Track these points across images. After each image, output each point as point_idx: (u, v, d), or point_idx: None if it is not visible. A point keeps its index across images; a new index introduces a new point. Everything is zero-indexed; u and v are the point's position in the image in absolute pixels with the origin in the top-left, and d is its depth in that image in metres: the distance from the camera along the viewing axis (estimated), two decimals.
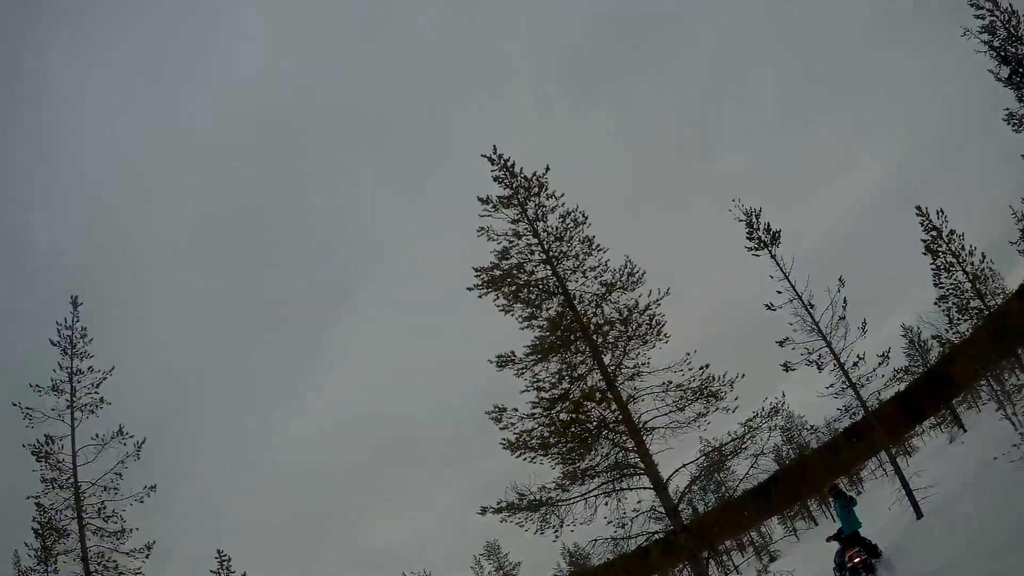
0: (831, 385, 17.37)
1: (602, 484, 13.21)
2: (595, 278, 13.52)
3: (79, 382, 17.65)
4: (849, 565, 12.51)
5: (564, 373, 13.27)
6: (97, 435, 17.29)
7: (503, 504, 12.81)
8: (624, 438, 13.17)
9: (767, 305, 17.07)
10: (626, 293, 13.35)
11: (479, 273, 13.38)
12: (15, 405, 16.79)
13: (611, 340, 13.31)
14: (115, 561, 17.09)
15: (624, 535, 13.10)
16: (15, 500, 17.51)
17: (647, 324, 13.08)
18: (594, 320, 13.38)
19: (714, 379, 12.85)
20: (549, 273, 13.48)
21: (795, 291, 16.96)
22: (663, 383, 13.10)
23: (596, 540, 13.06)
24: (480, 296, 13.36)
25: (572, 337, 13.25)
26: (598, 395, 12.95)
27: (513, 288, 13.26)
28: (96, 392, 17.71)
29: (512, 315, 13.42)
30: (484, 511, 12.88)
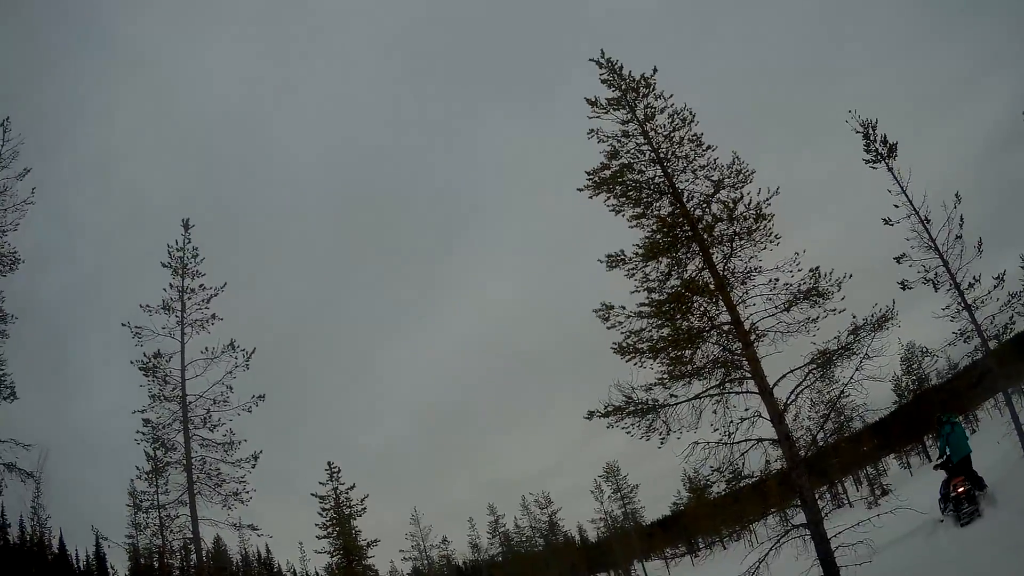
0: (947, 307, 16.90)
1: (708, 388, 13.00)
2: (704, 176, 13.32)
3: (189, 299, 18.30)
4: (953, 495, 12.21)
5: (673, 273, 13.14)
6: (207, 348, 17.80)
7: (610, 408, 12.77)
8: (731, 339, 12.90)
9: (885, 220, 16.63)
10: (734, 191, 13.09)
11: (591, 175, 13.39)
12: (124, 325, 17.46)
13: (720, 239, 13.05)
14: (218, 469, 17.70)
15: (728, 440, 12.83)
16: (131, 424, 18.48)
17: (753, 219, 12.81)
18: (704, 219, 13.12)
19: (822, 276, 12.44)
20: (659, 172, 13.37)
21: (912, 206, 16.56)
22: (770, 281, 12.83)
23: (697, 443, 12.78)
24: (591, 197, 13.40)
25: (681, 236, 13.07)
26: (704, 293, 12.77)
27: (622, 187, 13.18)
28: (207, 307, 18.29)
29: (622, 215, 13.41)
30: (591, 415, 12.85)
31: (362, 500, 28.27)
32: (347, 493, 28.25)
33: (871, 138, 16.69)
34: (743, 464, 12.79)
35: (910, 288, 16.76)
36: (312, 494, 28.05)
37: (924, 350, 41.03)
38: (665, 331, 12.87)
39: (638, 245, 13.21)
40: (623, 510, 47.67)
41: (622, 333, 12.80)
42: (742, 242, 12.98)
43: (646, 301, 13.01)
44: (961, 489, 11.92)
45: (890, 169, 16.65)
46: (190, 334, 18.00)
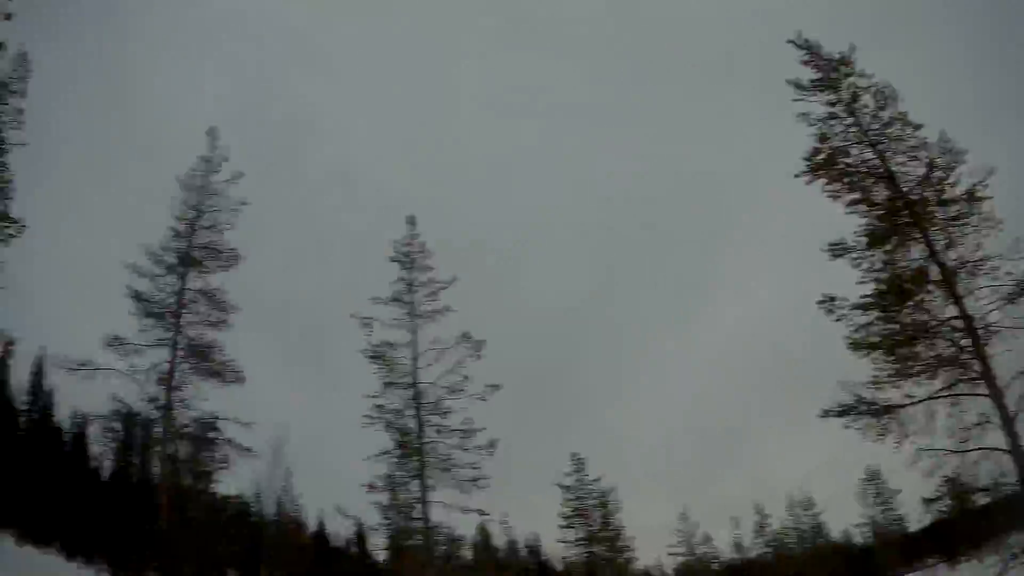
0: None
1: (938, 389, 11.86)
2: (915, 157, 12.39)
3: (417, 292, 18.42)
4: None
5: (897, 261, 12.28)
6: (437, 339, 17.82)
7: (843, 407, 12.09)
8: (959, 335, 11.68)
9: None
10: (946, 172, 12.12)
11: (807, 159, 12.86)
12: (353, 317, 17.64)
13: (940, 225, 11.93)
14: (450, 455, 17.60)
15: (958, 448, 11.59)
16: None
17: (966, 203, 11.81)
18: (920, 204, 12.05)
19: None
20: (871, 155, 12.60)
21: None
22: (991, 269, 11.66)
23: (922, 447, 11.77)
24: (807, 183, 12.81)
25: (901, 222, 12.15)
26: (929, 283, 11.71)
27: (838, 171, 12.58)
28: (435, 300, 18.29)
29: (839, 199, 12.73)
30: (826, 414, 12.20)
31: (606, 493, 28.32)
32: (592, 485, 28.29)
33: None
34: (975, 475, 11.56)
35: None
36: (557, 485, 28.05)
37: None
38: (894, 325, 12.04)
39: (858, 232, 12.50)
40: (883, 515, 44.65)
41: (849, 327, 12.14)
42: (961, 227, 11.91)
43: (871, 293, 12.25)
44: None
45: None
46: (420, 325, 18.18)
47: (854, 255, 12.39)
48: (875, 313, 12.09)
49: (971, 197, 11.79)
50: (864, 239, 12.33)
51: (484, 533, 54.08)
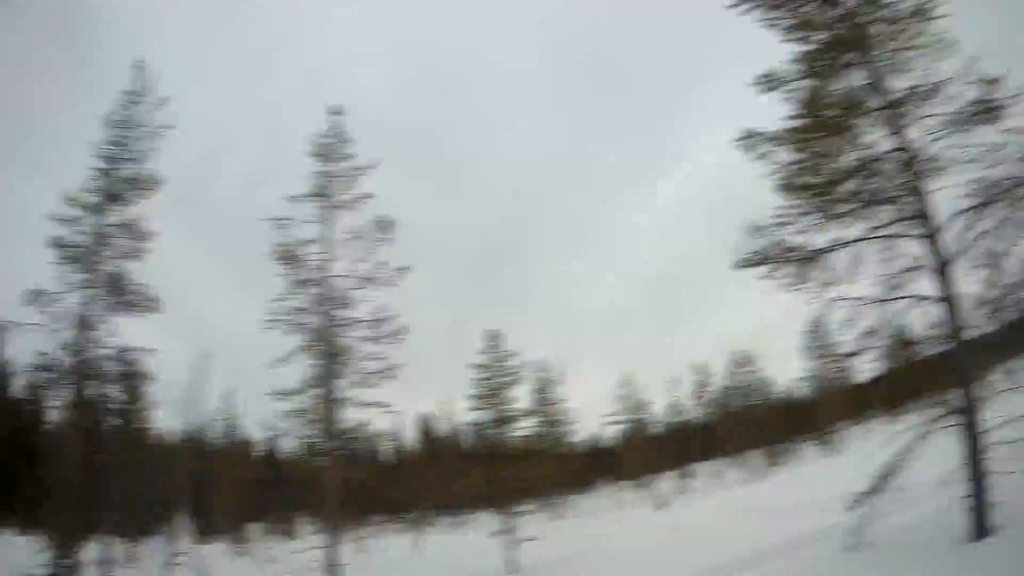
0: None
1: (869, 230, 10.90)
2: None
3: (333, 183, 18.80)
4: None
5: (833, 90, 11.03)
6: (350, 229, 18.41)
7: (761, 254, 11.12)
8: (896, 169, 10.57)
9: None
10: None
11: None
12: (263, 219, 17.91)
13: (886, 48, 10.62)
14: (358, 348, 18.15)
15: (886, 296, 10.71)
16: None
17: (917, 21, 10.36)
18: (864, 25, 10.74)
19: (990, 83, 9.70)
20: None
21: None
22: (939, 96, 10.26)
23: (842, 297, 10.90)
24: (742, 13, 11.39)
25: (842, 46, 10.83)
26: (867, 113, 10.55)
27: None
28: (350, 188, 18.70)
29: (777, 26, 11.26)
30: (745, 264, 11.18)
31: (516, 371, 27.04)
32: (506, 362, 26.74)
33: None
34: (904, 327, 10.71)
35: None
36: (471, 364, 26.75)
37: None
38: (825, 160, 10.95)
39: (794, 59, 11.17)
40: (826, 369, 45.46)
41: (774, 166, 11.03)
42: (908, 50, 10.51)
43: (800, 127, 11.03)
44: None
45: None
46: (335, 216, 18.52)
47: (787, 86, 11.07)
48: (805, 149, 10.93)
49: (920, 13, 10.34)
50: (797, 67, 11.01)
51: (424, 424, 55.31)
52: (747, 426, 45.63)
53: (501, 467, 24.87)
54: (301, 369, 17.50)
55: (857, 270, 10.94)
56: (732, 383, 49.77)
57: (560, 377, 45.76)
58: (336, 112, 19.28)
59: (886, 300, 10.77)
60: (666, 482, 48.69)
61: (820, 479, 25.60)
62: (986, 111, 10.02)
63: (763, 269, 11.17)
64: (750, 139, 11.01)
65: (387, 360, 17.78)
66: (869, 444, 18.31)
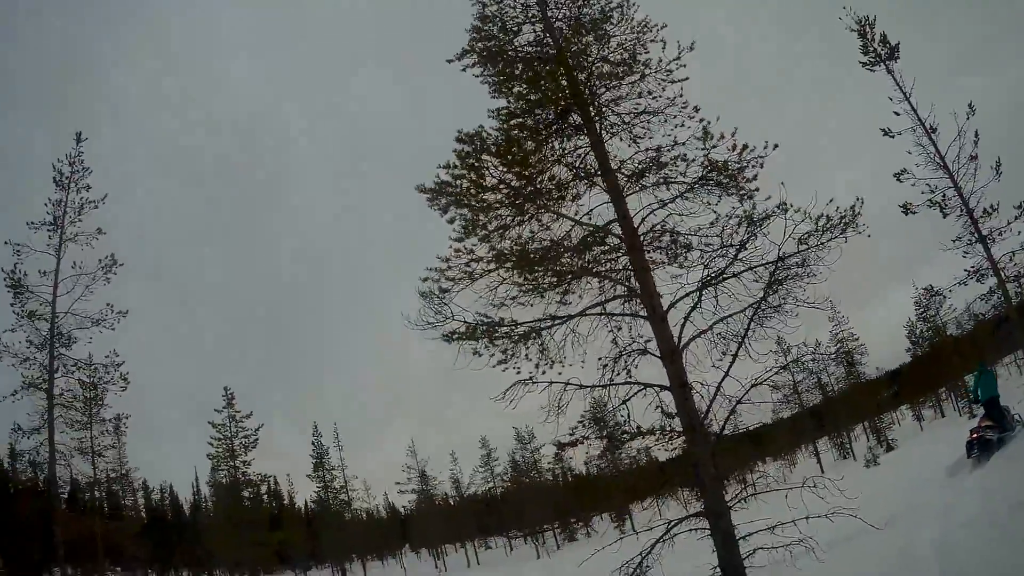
0: (957, 238, 14.56)
1: (586, 307, 9.60)
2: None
3: (68, 213, 17.89)
4: (968, 440, 11.70)
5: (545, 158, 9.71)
6: (76, 263, 17.21)
7: (464, 328, 9.35)
8: (615, 238, 9.50)
9: (884, 131, 14.34)
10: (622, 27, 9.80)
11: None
12: (7, 243, 16.92)
13: (608, 108, 9.64)
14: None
15: (608, 381, 9.41)
16: None
17: (636, 40, 9.46)
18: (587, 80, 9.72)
19: (709, 136, 8.85)
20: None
21: (917, 116, 14.51)
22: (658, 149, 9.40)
23: (568, 384, 9.37)
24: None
25: (560, 104, 9.62)
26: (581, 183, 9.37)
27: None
28: (80, 220, 17.75)
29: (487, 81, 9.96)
30: (449, 338, 9.34)
31: (256, 430, 27.39)
32: (242, 422, 27.01)
33: (868, 37, 14.71)
34: (626, 416, 9.36)
35: (913, 213, 14.40)
36: (209, 422, 27.14)
37: (933, 291, 35.31)
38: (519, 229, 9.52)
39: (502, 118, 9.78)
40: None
41: (461, 220, 9.34)
42: (638, 116, 9.52)
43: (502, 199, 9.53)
44: (975, 435, 11.64)
45: (890, 72, 14.52)
46: (65, 250, 17.54)
47: (492, 140, 9.51)
48: (512, 215, 9.56)
49: (640, 34, 9.43)
50: (506, 126, 9.63)
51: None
52: (539, 500, 45.17)
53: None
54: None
55: (574, 350, 9.62)
56: (519, 458, 49.56)
57: (340, 445, 42.99)
58: (80, 139, 18.12)
59: (605, 385, 9.52)
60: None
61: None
62: (716, 183, 9.29)
63: (470, 344, 9.32)
64: (437, 195, 9.30)
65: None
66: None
